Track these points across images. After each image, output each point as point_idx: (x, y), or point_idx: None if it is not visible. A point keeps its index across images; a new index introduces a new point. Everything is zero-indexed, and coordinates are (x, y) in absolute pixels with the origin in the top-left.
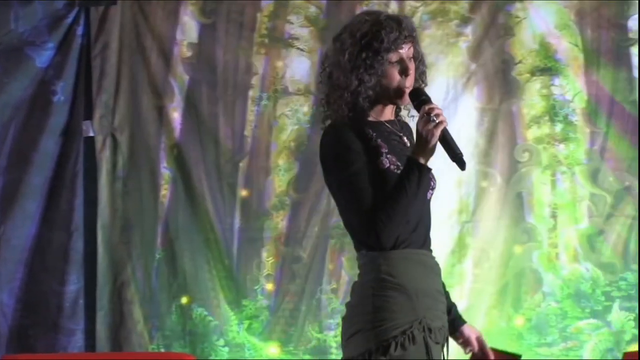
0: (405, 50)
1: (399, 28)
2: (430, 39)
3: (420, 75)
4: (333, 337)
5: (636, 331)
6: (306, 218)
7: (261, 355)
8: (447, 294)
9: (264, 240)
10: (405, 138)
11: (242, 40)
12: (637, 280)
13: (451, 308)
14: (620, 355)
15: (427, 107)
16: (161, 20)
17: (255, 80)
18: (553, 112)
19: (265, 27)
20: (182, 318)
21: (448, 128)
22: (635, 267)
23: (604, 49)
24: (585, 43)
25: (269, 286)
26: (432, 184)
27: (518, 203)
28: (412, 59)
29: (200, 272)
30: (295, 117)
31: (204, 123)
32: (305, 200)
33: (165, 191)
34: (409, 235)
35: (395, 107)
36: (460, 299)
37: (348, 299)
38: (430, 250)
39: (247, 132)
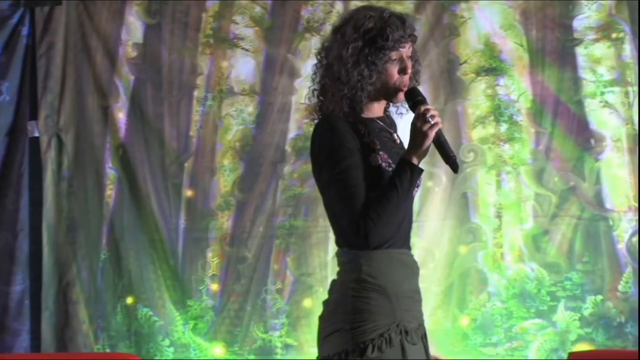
0: (406, 49)
1: (403, 27)
2: None
3: (415, 75)
4: (278, 337)
5: (581, 331)
6: (251, 218)
7: (206, 355)
8: None
9: (209, 241)
10: (395, 135)
11: (187, 41)
12: (582, 281)
13: None
14: (565, 355)
15: (423, 108)
16: (106, 21)
17: (200, 81)
18: (498, 112)
19: (210, 27)
20: (127, 318)
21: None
22: (580, 266)
23: (549, 48)
24: (530, 43)
25: (214, 286)
26: (417, 181)
27: (463, 203)
28: (409, 58)
29: (145, 272)
30: (240, 117)
31: (149, 123)
32: (251, 200)
33: (110, 191)
34: (393, 235)
35: (386, 103)
36: None
37: (293, 298)
38: (410, 248)
39: (192, 132)
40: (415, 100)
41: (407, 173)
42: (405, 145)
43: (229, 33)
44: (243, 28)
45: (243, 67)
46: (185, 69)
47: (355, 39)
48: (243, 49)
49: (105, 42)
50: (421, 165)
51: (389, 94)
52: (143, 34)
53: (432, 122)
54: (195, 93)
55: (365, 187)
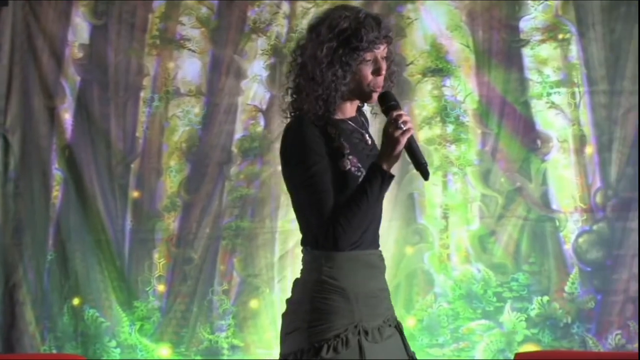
0: (380, 50)
1: (378, 28)
2: None
3: (390, 76)
4: (224, 338)
5: (527, 332)
6: (197, 219)
7: (153, 356)
8: None
9: (156, 242)
10: (367, 136)
11: (133, 42)
12: (529, 281)
13: None
14: (511, 356)
15: (395, 114)
16: (52, 22)
17: (146, 81)
18: (444, 113)
19: (156, 28)
20: (73, 319)
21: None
22: (527, 267)
23: (495, 49)
24: (477, 44)
25: (161, 287)
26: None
27: (409, 204)
28: (385, 59)
29: (91, 273)
30: (186, 118)
31: (96, 124)
32: (197, 202)
33: (56, 192)
34: (359, 237)
35: (359, 103)
36: None
37: (239, 299)
38: (378, 246)
39: (139, 133)
40: (388, 105)
41: (377, 179)
42: (378, 146)
43: (176, 34)
44: (189, 29)
45: (189, 68)
46: (131, 70)
47: (330, 39)
48: (189, 49)
49: (52, 43)
50: None
51: (362, 94)
52: (89, 34)
53: (404, 129)
54: (142, 94)
55: (334, 191)
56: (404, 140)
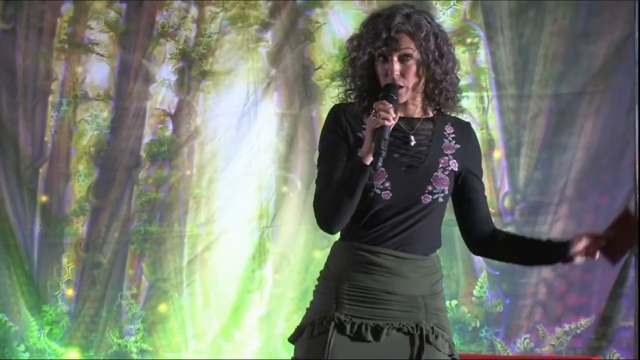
0: (391, 49)
1: (383, 26)
2: (230, 44)
3: (432, 76)
4: (133, 343)
5: None
6: (106, 224)
7: None
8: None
9: (64, 246)
10: (412, 137)
11: (41, 46)
12: None
13: (543, 245)
14: None
15: (374, 103)
16: None
17: (55, 86)
18: None
19: (65, 32)
20: None
21: (368, 128)
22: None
23: None
24: None
25: (70, 292)
26: (429, 187)
27: None
28: (408, 57)
29: (0, 277)
30: (95, 122)
31: (4, 128)
32: (106, 206)
33: None
34: (357, 230)
35: (423, 104)
36: (260, 304)
37: (148, 304)
38: (409, 251)
39: (47, 137)
40: (381, 96)
41: (351, 167)
42: (432, 152)
43: (84, 38)
44: (98, 33)
45: (98, 72)
46: (39, 74)
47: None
48: (98, 54)
49: None
50: (277, 171)
51: None
52: None
53: (374, 118)
54: (50, 98)
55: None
56: (369, 128)
